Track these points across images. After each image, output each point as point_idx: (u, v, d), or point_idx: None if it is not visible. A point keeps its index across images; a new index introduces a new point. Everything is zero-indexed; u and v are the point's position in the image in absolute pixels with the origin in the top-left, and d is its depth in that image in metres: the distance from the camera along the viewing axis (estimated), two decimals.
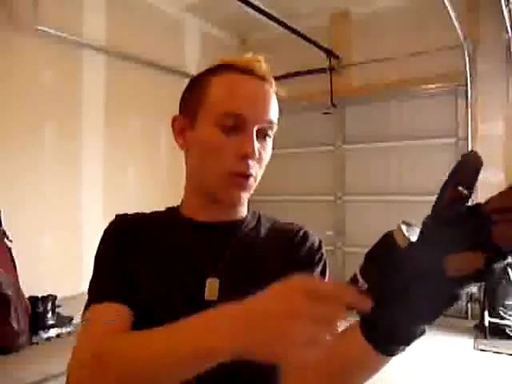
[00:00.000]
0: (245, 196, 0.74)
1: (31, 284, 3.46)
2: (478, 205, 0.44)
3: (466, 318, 4.33)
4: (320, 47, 4.91)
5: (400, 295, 0.48)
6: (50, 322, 3.55)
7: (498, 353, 3.45)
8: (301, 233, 0.81)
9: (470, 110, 4.40)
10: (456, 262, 0.45)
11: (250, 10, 3.97)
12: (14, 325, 3.20)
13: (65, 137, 4.03)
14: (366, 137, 5.02)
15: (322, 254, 0.80)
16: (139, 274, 0.71)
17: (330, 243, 5.26)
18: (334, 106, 5.11)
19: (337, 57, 5.12)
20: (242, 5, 3.82)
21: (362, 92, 5.02)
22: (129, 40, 4.45)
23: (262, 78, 0.72)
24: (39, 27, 3.64)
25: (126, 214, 0.80)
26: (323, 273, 0.78)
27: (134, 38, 4.52)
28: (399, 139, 4.83)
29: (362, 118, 5.09)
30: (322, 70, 5.14)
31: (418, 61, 4.60)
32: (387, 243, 0.50)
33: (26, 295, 3.43)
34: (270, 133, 0.73)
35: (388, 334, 0.52)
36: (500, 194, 0.43)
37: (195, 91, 0.74)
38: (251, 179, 0.72)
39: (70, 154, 4.07)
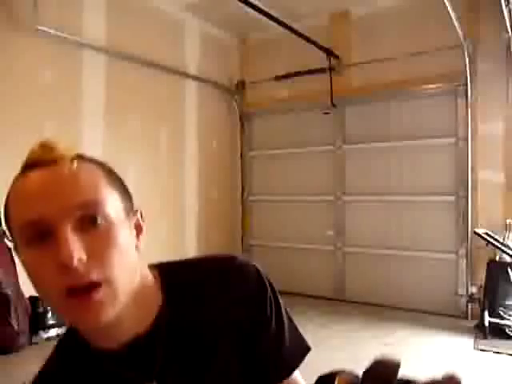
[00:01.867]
0: (106, 312, 0.54)
1: (31, 284, 3.46)
2: None
3: (466, 318, 4.33)
4: (320, 47, 4.91)
5: None
6: (50, 322, 3.55)
7: (497, 353, 3.45)
8: (241, 278, 0.67)
9: (469, 109, 4.40)
10: None
11: (250, 10, 3.97)
12: (14, 325, 3.20)
13: (65, 137, 4.03)
14: (366, 137, 5.02)
15: (266, 292, 0.67)
16: None
17: (329, 243, 5.27)
18: (334, 106, 5.11)
19: (337, 57, 5.12)
20: (242, 5, 3.82)
21: (361, 92, 5.02)
22: (129, 40, 4.45)
23: (54, 163, 0.55)
24: (39, 27, 3.64)
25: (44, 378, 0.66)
26: (279, 321, 0.67)
27: (134, 38, 4.52)
28: (399, 139, 4.83)
29: (362, 118, 5.09)
30: (322, 70, 5.14)
31: (417, 61, 4.60)
32: None
33: (26, 295, 3.43)
34: (97, 216, 0.54)
35: None
36: None
37: (5, 216, 0.58)
38: (103, 289, 0.53)
39: None
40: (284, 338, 0.67)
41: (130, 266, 0.57)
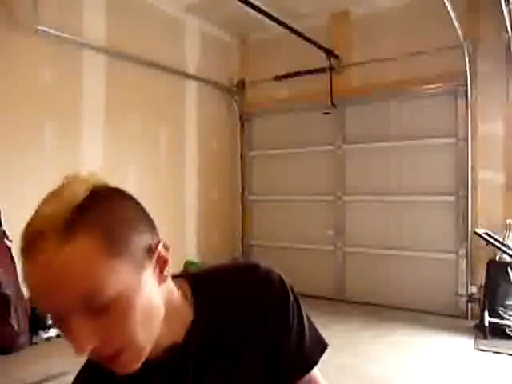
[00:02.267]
0: (133, 365, 0.57)
1: None
2: None
3: (466, 318, 4.33)
4: (320, 47, 4.91)
5: None
6: (50, 322, 3.55)
7: (497, 353, 3.45)
8: (264, 286, 0.69)
9: (469, 110, 4.40)
10: None
11: (250, 10, 3.97)
12: (14, 325, 3.20)
13: (65, 137, 4.03)
14: (366, 137, 5.02)
15: (289, 299, 0.70)
16: None
17: (330, 243, 5.27)
18: (334, 106, 5.11)
19: (337, 57, 5.12)
20: (242, 5, 3.82)
21: (362, 92, 5.02)
22: (129, 40, 4.45)
23: (42, 254, 0.50)
24: (39, 27, 3.64)
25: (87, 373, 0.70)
26: (300, 323, 0.71)
27: (134, 38, 4.52)
28: (399, 139, 4.83)
29: (362, 118, 5.09)
30: (322, 70, 5.14)
31: (417, 61, 4.60)
32: None
33: (26, 295, 3.43)
34: (101, 301, 0.52)
35: None
36: None
37: None
38: (125, 354, 0.55)
39: (70, 154, 4.06)
40: (305, 338, 0.71)
41: (152, 320, 0.58)
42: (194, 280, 0.70)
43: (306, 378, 0.72)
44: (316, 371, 0.74)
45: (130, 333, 0.55)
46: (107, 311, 0.53)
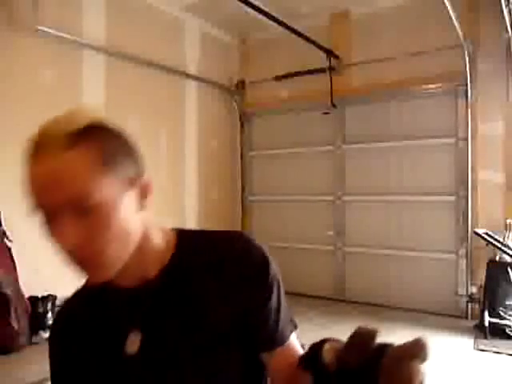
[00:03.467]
0: (108, 272, 0.64)
1: (31, 284, 3.46)
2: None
3: (466, 318, 4.33)
4: (320, 47, 4.91)
5: None
6: (50, 322, 3.55)
7: (497, 353, 3.45)
8: (239, 251, 0.72)
9: (469, 110, 4.40)
10: None
11: (250, 9, 3.97)
12: (14, 325, 3.20)
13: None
14: (366, 137, 5.02)
15: (269, 274, 0.71)
16: (77, 365, 0.75)
17: (330, 243, 5.27)
18: (334, 106, 5.11)
19: (337, 57, 5.12)
20: (242, 5, 3.82)
21: (362, 92, 5.02)
22: (129, 40, 4.45)
23: (45, 156, 0.59)
24: (39, 27, 3.64)
25: (63, 310, 0.81)
26: (278, 299, 0.73)
27: (134, 38, 4.52)
28: (399, 139, 4.83)
29: (362, 118, 5.09)
30: (321, 70, 5.14)
31: (418, 61, 4.60)
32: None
33: (26, 295, 3.43)
34: (90, 204, 0.59)
35: None
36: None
37: None
38: (100, 260, 0.62)
39: None
40: (280, 314, 0.73)
41: (124, 238, 0.64)
42: (181, 232, 0.76)
43: (278, 350, 0.73)
44: (293, 339, 0.76)
45: (102, 243, 0.61)
46: (89, 216, 0.60)
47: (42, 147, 0.60)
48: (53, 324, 0.82)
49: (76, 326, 0.76)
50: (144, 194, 0.68)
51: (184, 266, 0.71)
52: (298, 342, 0.76)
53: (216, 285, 0.70)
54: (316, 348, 0.59)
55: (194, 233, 0.78)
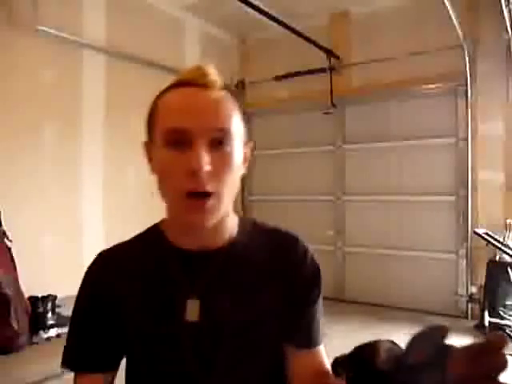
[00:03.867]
0: (209, 218, 0.67)
1: (31, 284, 3.46)
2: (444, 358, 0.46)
3: (466, 318, 4.33)
4: (320, 47, 4.91)
5: None
6: (50, 322, 3.55)
7: None
8: (300, 252, 0.78)
9: (469, 110, 4.40)
10: None
11: (250, 10, 3.97)
12: (14, 325, 3.20)
13: (65, 137, 4.02)
14: (366, 137, 5.02)
15: (320, 280, 0.79)
16: (120, 311, 0.73)
17: (330, 243, 5.27)
18: (333, 106, 5.11)
19: (337, 57, 5.12)
20: (242, 5, 3.82)
21: (362, 92, 5.02)
22: (129, 40, 4.45)
23: (205, 87, 0.68)
24: (39, 27, 3.64)
25: (107, 251, 0.79)
26: (318, 307, 0.80)
27: (134, 38, 4.52)
28: (399, 139, 4.83)
29: (362, 118, 5.09)
30: (322, 70, 5.14)
31: (417, 61, 4.60)
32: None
33: (26, 295, 3.43)
34: (226, 141, 0.67)
35: None
36: (467, 355, 0.44)
37: (149, 115, 0.73)
38: (212, 200, 0.66)
39: (70, 154, 4.06)
40: (318, 320, 0.79)
41: (234, 186, 0.71)
42: (243, 218, 0.81)
43: (305, 353, 0.76)
44: (322, 349, 0.79)
45: (223, 181, 0.67)
46: (220, 152, 0.66)
47: (203, 81, 0.68)
48: (96, 260, 0.79)
49: (123, 271, 0.75)
50: (245, 159, 0.75)
51: (246, 244, 0.76)
52: (326, 355, 0.80)
53: (273, 270, 0.75)
54: (362, 348, 0.62)
55: (251, 220, 0.83)
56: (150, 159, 0.74)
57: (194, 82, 0.68)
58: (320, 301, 0.79)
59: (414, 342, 0.47)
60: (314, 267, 0.79)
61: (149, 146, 0.73)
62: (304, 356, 0.76)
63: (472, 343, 0.45)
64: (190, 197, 0.65)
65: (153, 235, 0.78)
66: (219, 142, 0.66)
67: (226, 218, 0.74)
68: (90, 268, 0.78)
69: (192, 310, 0.71)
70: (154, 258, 0.75)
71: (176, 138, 0.65)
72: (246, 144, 0.74)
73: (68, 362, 0.76)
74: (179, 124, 0.65)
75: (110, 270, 0.76)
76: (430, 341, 0.46)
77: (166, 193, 0.69)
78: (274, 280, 0.74)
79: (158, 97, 0.72)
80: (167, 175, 0.67)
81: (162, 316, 0.71)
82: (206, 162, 0.64)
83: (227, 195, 0.69)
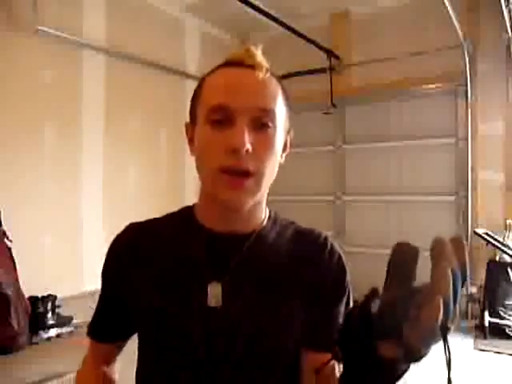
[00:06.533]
0: (246, 198, 0.66)
1: (31, 284, 3.46)
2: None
3: (466, 318, 4.33)
4: (320, 47, 4.91)
5: None
6: (50, 322, 3.55)
7: (498, 353, 3.45)
8: (328, 250, 0.75)
9: (469, 110, 4.40)
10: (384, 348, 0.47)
11: (250, 9, 3.97)
12: (14, 325, 3.20)
13: (65, 137, 4.02)
14: (366, 137, 5.02)
15: (344, 282, 0.76)
16: (141, 287, 0.73)
17: None
18: (334, 106, 5.11)
19: (337, 57, 5.12)
20: (242, 5, 3.82)
21: (362, 92, 5.02)
22: (129, 40, 4.45)
23: (252, 67, 0.68)
24: (39, 27, 3.64)
25: (137, 223, 0.79)
26: (347, 304, 0.76)
27: (134, 38, 4.52)
28: (399, 139, 4.83)
29: (362, 118, 5.09)
30: (322, 70, 5.13)
31: (418, 61, 4.60)
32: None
33: (26, 295, 3.43)
34: (268, 122, 0.66)
35: None
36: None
37: (194, 95, 0.73)
38: (250, 179, 0.65)
39: (70, 154, 4.06)
40: (336, 323, 0.72)
41: (273, 172, 0.70)
42: (272, 212, 0.81)
43: (314, 356, 0.71)
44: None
45: (263, 161, 0.66)
46: (263, 133, 0.66)
47: (251, 62, 0.68)
48: (125, 230, 0.79)
49: (148, 246, 0.75)
50: (285, 147, 0.74)
51: (274, 235, 0.75)
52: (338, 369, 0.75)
53: (298, 266, 0.73)
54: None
55: (282, 217, 0.82)
56: (191, 140, 0.74)
57: (241, 62, 0.69)
58: (343, 303, 0.75)
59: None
60: (340, 267, 0.75)
61: (190, 127, 0.74)
62: (312, 360, 0.71)
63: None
64: (229, 173, 0.64)
65: (183, 214, 0.80)
66: (262, 124, 0.66)
67: (258, 206, 0.74)
68: (117, 236, 0.79)
69: (214, 295, 0.69)
70: (179, 236, 0.75)
71: (219, 116, 0.65)
72: (288, 132, 0.74)
73: (90, 328, 0.84)
74: (223, 100, 0.65)
75: (135, 242, 0.76)
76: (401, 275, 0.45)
77: (203, 169, 0.68)
78: (298, 276, 0.72)
79: (204, 77, 0.72)
80: (207, 152, 0.66)
81: (177, 295, 0.70)
82: (247, 140, 0.63)
83: (266, 179, 0.68)
